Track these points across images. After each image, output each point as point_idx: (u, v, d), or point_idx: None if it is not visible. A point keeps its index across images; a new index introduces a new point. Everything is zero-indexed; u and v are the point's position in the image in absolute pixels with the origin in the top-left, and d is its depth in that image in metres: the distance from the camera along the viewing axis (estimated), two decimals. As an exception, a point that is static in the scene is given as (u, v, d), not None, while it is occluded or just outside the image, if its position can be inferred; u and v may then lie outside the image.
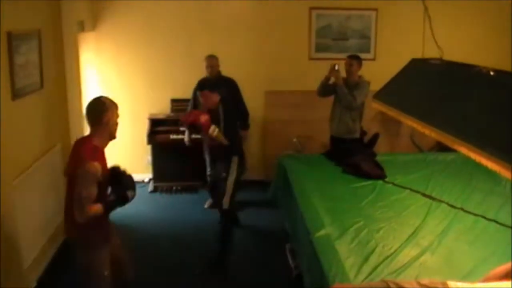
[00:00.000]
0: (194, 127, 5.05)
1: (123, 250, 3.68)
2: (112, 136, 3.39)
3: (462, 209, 4.18)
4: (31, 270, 4.44)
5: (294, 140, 7.01)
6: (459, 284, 2.44)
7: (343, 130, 5.77)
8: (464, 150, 2.34)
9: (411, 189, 4.62)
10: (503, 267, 2.57)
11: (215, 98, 4.98)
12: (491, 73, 2.49)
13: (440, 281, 2.45)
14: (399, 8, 7.06)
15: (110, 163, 3.48)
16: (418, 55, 3.65)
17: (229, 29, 7.07)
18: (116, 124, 3.40)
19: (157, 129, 6.76)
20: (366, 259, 3.29)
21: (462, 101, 2.57)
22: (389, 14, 7.21)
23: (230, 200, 4.96)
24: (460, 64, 3.05)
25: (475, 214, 4.07)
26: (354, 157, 5.13)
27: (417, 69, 3.44)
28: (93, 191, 3.17)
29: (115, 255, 3.51)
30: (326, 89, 5.80)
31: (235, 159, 5.02)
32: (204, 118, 4.81)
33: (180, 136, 6.51)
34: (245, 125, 6.14)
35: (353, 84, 5.64)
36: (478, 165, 2.31)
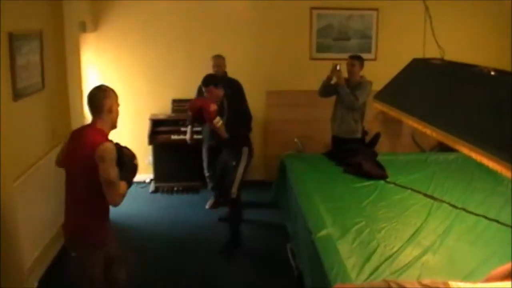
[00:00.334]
0: (198, 116, 5.08)
1: (119, 251, 3.65)
2: (114, 125, 3.39)
3: (463, 209, 4.18)
4: (32, 271, 4.44)
5: (295, 140, 7.01)
6: (461, 284, 2.44)
7: (345, 130, 5.76)
8: (465, 150, 2.34)
9: (412, 189, 4.62)
10: (505, 267, 2.57)
11: (219, 92, 5.06)
12: (492, 73, 2.49)
13: (442, 281, 2.45)
14: (400, 8, 7.05)
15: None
16: (419, 55, 3.65)
17: (230, 29, 7.07)
18: (117, 112, 3.40)
19: (158, 129, 6.77)
20: (367, 259, 3.29)
21: (463, 101, 2.57)
22: (390, 14, 7.21)
23: (237, 190, 5.10)
24: (461, 64, 3.05)
25: (476, 214, 4.07)
26: (355, 157, 5.13)
27: (418, 69, 3.44)
28: (116, 170, 3.18)
29: (109, 255, 3.49)
30: (327, 89, 5.80)
31: (245, 150, 5.16)
32: (213, 106, 4.90)
33: (181, 137, 6.51)
34: (248, 128, 6.13)
35: (355, 84, 5.64)
36: (480, 165, 2.31)
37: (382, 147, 6.32)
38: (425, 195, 4.50)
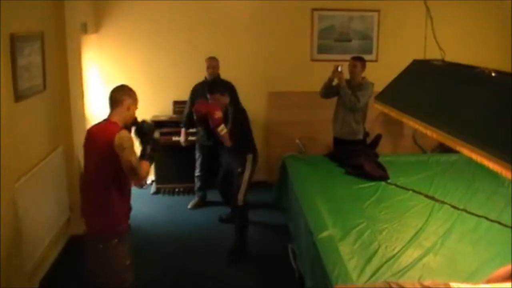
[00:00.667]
0: (203, 119, 5.04)
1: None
2: (127, 124, 3.51)
3: (465, 210, 4.18)
4: (33, 271, 4.44)
5: (297, 141, 7.01)
6: (462, 285, 2.44)
7: (347, 132, 5.76)
8: (466, 151, 2.34)
9: (413, 190, 4.62)
10: (506, 269, 2.57)
11: (225, 99, 5.00)
12: (493, 74, 2.49)
13: (443, 282, 2.46)
14: (401, 9, 7.06)
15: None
16: (420, 56, 3.65)
17: (232, 30, 7.08)
18: (133, 114, 3.56)
19: (159, 130, 6.76)
20: (369, 260, 3.29)
21: (464, 102, 2.57)
22: (391, 15, 7.22)
23: (244, 197, 5.04)
24: (462, 65, 3.05)
25: (478, 215, 4.07)
26: (357, 158, 5.13)
27: (419, 70, 3.44)
28: (136, 155, 3.37)
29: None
30: (329, 90, 5.80)
31: (250, 157, 5.07)
32: (218, 114, 4.83)
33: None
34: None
35: (357, 86, 5.64)
36: (481, 166, 2.31)
37: (383, 148, 6.32)
38: (426, 196, 4.50)
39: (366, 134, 5.99)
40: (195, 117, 5.24)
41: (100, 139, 3.34)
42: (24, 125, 4.39)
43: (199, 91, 6.15)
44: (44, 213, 4.74)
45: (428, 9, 3.42)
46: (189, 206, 6.46)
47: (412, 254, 3.41)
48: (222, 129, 4.84)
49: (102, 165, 3.36)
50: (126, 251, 3.52)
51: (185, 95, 6.48)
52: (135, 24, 6.92)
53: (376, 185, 4.73)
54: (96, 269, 3.51)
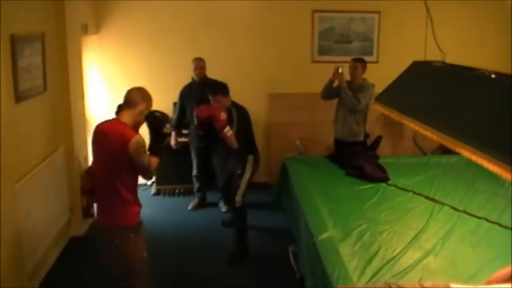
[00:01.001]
0: (206, 123, 4.92)
1: None
2: (136, 128, 3.54)
3: (465, 211, 4.18)
4: (33, 272, 4.45)
5: (297, 142, 7.01)
6: (462, 286, 2.44)
7: (347, 133, 5.77)
8: (466, 152, 2.34)
9: (414, 192, 4.62)
10: (506, 270, 2.57)
11: (228, 101, 4.94)
12: (493, 75, 2.49)
13: (443, 284, 2.45)
14: (402, 11, 7.06)
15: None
16: (420, 57, 3.65)
17: (232, 32, 7.08)
18: (142, 120, 3.60)
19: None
20: (369, 261, 3.29)
21: (464, 104, 2.57)
22: (391, 16, 7.22)
23: (242, 198, 5.00)
24: (462, 66, 3.05)
25: (478, 217, 4.07)
26: (357, 159, 5.13)
27: (419, 71, 3.44)
28: (147, 155, 3.49)
29: None
30: (330, 92, 5.80)
31: (250, 158, 5.04)
32: (223, 116, 4.75)
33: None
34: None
35: (357, 87, 5.64)
36: (481, 168, 2.31)
37: (383, 149, 6.32)
38: (427, 197, 4.50)
39: (367, 136, 5.99)
40: (195, 122, 5.21)
41: (113, 140, 3.38)
42: (25, 126, 4.39)
43: (188, 93, 6.19)
44: (45, 214, 4.74)
45: (428, 11, 3.42)
46: (189, 207, 6.46)
47: (412, 255, 3.41)
48: (228, 131, 4.76)
49: (115, 164, 3.42)
50: (142, 244, 3.64)
51: (185, 96, 6.47)
52: (135, 25, 6.92)
53: (376, 187, 4.73)
54: (115, 264, 3.62)
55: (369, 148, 5.95)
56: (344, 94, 5.58)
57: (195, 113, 5.05)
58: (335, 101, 5.88)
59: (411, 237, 3.69)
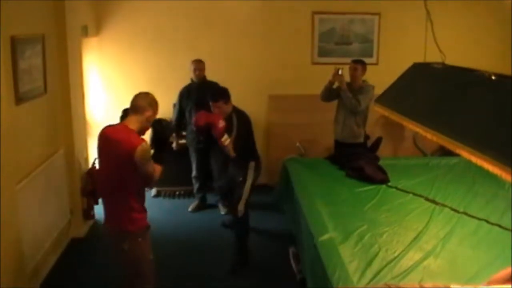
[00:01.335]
0: (204, 130, 4.83)
1: None
2: (142, 133, 3.55)
3: (465, 213, 4.19)
4: (34, 274, 4.45)
5: (298, 144, 7.02)
6: (462, 287, 2.44)
7: (347, 135, 5.76)
8: (465, 154, 2.34)
9: (414, 193, 4.62)
10: (506, 271, 2.57)
11: (228, 108, 4.82)
12: (493, 77, 2.49)
13: (443, 285, 2.45)
14: (402, 13, 7.06)
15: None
16: (420, 59, 3.65)
17: (232, 33, 7.08)
18: (149, 126, 3.62)
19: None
20: (369, 263, 3.30)
21: (464, 105, 2.57)
22: (391, 18, 7.22)
23: (244, 206, 4.90)
24: (462, 68, 3.05)
25: (478, 218, 4.07)
26: (357, 161, 5.14)
27: (419, 73, 3.44)
28: (152, 163, 3.50)
29: None
30: (329, 93, 5.80)
31: (252, 165, 4.94)
32: (222, 124, 4.63)
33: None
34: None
35: (357, 89, 5.64)
36: (481, 169, 2.31)
37: (384, 151, 6.32)
38: (427, 199, 4.51)
39: (367, 137, 6.00)
40: (194, 128, 5.19)
41: (119, 146, 3.38)
42: (25, 128, 4.40)
43: (187, 94, 6.18)
44: (45, 215, 4.75)
45: (428, 12, 3.42)
46: (189, 209, 6.46)
47: (412, 257, 3.42)
48: (226, 139, 4.67)
49: (121, 170, 3.42)
50: (148, 247, 3.68)
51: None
52: (135, 27, 6.92)
53: (376, 188, 4.73)
54: (124, 267, 3.69)
55: (369, 150, 5.95)
56: (345, 95, 5.58)
57: (193, 121, 5.00)
58: (335, 103, 5.88)
59: (411, 238, 3.70)
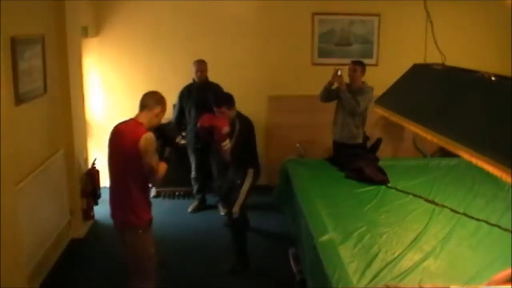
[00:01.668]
0: (207, 132, 4.84)
1: None
2: (152, 128, 3.67)
3: (465, 214, 4.19)
4: (33, 274, 4.44)
5: (297, 145, 7.02)
6: (462, 288, 2.44)
7: (346, 136, 5.75)
8: (466, 155, 2.34)
9: (414, 194, 4.62)
10: (505, 272, 2.57)
11: (232, 113, 4.83)
12: (493, 78, 2.49)
13: (443, 286, 2.46)
14: (402, 14, 7.07)
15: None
16: (420, 60, 3.65)
17: (232, 34, 7.09)
18: (159, 120, 3.78)
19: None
20: (369, 263, 3.29)
21: (464, 106, 2.57)
22: (391, 19, 7.23)
23: (240, 209, 4.88)
24: (462, 69, 3.06)
25: (478, 219, 4.07)
26: (357, 162, 5.13)
27: (419, 74, 3.44)
28: (157, 157, 3.61)
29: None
30: (329, 94, 5.79)
31: (251, 172, 4.94)
32: (225, 129, 4.69)
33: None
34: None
35: (356, 90, 5.63)
36: (481, 170, 2.31)
37: (383, 152, 6.32)
38: (427, 200, 4.50)
39: (367, 138, 5.99)
40: (198, 126, 5.19)
41: (127, 138, 3.52)
42: (25, 128, 4.40)
43: (187, 94, 6.18)
44: (45, 216, 4.75)
45: (428, 13, 3.43)
46: (189, 210, 6.46)
47: (412, 257, 3.42)
48: (226, 145, 4.73)
49: (127, 162, 3.55)
50: (150, 241, 3.79)
51: (185, 99, 6.48)
52: (135, 28, 6.93)
53: (376, 189, 4.73)
54: (126, 258, 3.80)
55: (369, 151, 5.95)
56: (344, 96, 5.57)
57: (199, 123, 4.99)
58: (335, 103, 5.87)
59: (411, 239, 3.70)
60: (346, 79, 5.71)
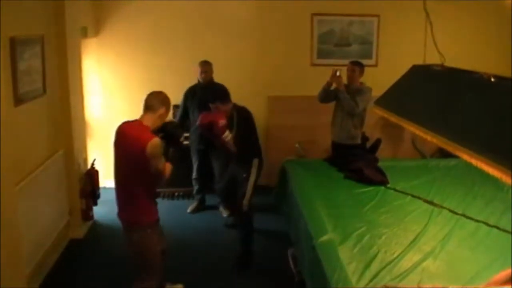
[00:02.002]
0: (207, 129, 4.92)
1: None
2: (156, 129, 3.69)
3: (464, 215, 4.19)
4: (33, 275, 4.44)
5: (296, 145, 7.02)
6: (461, 289, 2.44)
7: (345, 136, 5.75)
8: (465, 156, 2.34)
9: (413, 195, 4.62)
10: (505, 273, 2.57)
11: (227, 107, 4.91)
12: (492, 79, 2.49)
13: (442, 287, 2.46)
14: (401, 14, 7.08)
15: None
16: (420, 61, 3.65)
17: (231, 35, 7.09)
18: (162, 122, 3.77)
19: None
20: (368, 264, 3.29)
21: (463, 107, 2.57)
22: (391, 20, 7.23)
23: (249, 202, 4.96)
24: (461, 70, 3.06)
25: (477, 220, 4.07)
26: (356, 162, 5.14)
27: (419, 75, 3.44)
28: (163, 160, 3.64)
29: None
30: (327, 95, 5.79)
31: (255, 162, 5.00)
32: (222, 122, 4.77)
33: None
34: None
35: (355, 90, 5.63)
36: (481, 171, 2.31)
37: (383, 153, 6.33)
38: (426, 201, 4.50)
39: (366, 139, 5.99)
40: (199, 126, 5.20)
41: (134, 143, 3.53)
42: (24, 129, 4.40)
43: (191, 95, 6.17)
44: (44, 216, 4.75)
45: (427, 14, 3.43)
46: (188, 210, 6.46)
47: (411, 258, 3.42)
48: (227, 136, 4.79)
49: (134, 166, 3.58)
50: (158, 239, 3.84)
51: (185, 99, 6.48)
52: (134, 28, 6.92)
53: (375, 190, 4.73)
54: (133, 256, 3.86)
55: (369, 151, 5.95)
56: (343, 97, 5.57)
57: (198, 122, 5.06)
58: (333, 104, 5.87)
59: (410, 240, 3.70)
60: (345, 80, 5.71)
